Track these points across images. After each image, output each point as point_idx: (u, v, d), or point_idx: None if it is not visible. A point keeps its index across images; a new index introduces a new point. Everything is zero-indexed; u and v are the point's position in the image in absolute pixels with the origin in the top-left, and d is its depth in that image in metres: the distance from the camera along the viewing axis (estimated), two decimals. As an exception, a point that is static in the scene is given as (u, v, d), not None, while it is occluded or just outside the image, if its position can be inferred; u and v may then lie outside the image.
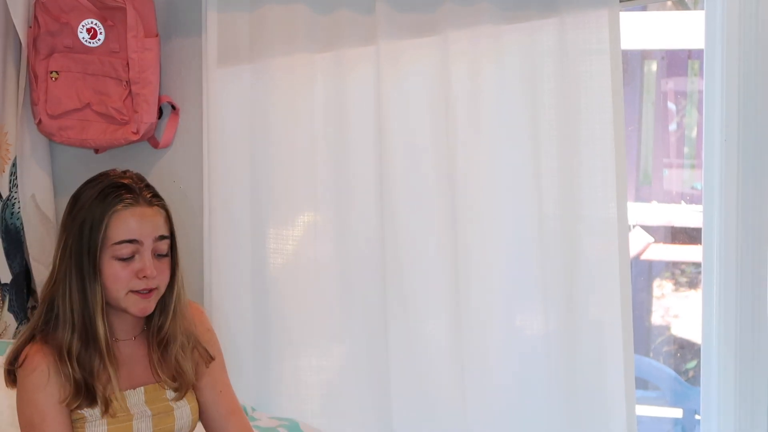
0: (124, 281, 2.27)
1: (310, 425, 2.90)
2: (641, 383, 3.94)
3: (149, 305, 2.29)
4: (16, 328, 3.05)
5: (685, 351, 4.10)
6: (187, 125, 3.06)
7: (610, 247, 2.84)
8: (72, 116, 2.97)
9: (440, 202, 2.90)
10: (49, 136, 3.01)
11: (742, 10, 2.84)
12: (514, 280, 2.91)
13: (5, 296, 3.02)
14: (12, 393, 2.62)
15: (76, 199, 2.32)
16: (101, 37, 2.93)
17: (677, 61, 4.12)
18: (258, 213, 2.99)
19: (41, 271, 3.07)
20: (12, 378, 2.33)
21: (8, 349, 2.36)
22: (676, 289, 4.20)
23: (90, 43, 2.94)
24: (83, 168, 3.12)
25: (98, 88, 2.95)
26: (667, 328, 4.16)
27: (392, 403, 2.95)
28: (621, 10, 2.80)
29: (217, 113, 2.98)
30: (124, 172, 2.34)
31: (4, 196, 3.04)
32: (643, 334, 4.09)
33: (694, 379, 3.97)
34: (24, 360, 2.28)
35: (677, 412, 3.98)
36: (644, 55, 4.12)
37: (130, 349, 2.36)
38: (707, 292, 2.98)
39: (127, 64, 2.92)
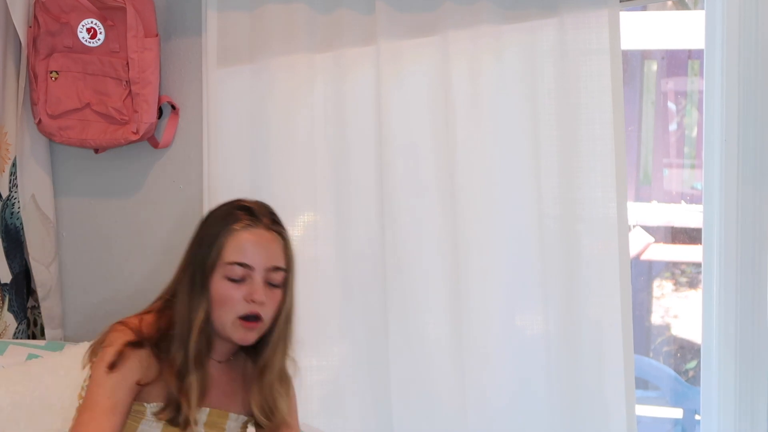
0: (233, 304, 2.26)
1: (310, 425, 2.90)
2: (641, 383, 3.94)
3: (251, 335, 2.29)
4: (16, 328, 3.05)
5: (685, 351, 4.09)
6: (187, 125, 3.06)
7: (610, 247, 2.84)
8: (72, 116, 2.97)
9: (440, 202, 2.90)
10: (49, 136, 3.01)
11: (742, 10, 2.84)
12: (514, 279, 2.90)
13: (5, 296, 3.02)
14: (10, 392, 2.63)
15: (204, 219, 2.35)
16: (101, 36, 2.93)
17: (677, 61, 4.11)
18: (258, 213, 2.98)
19: (41, 271, 3.07)
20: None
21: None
22: (676, 289, 4.20)
23: (90, 43, 2.94)
24: (83, 168, 3.12)
25: (98, 88, 2.95)
26: (667, 328, 4.15)
27: (392, 403, 2.95)
28: (621, 10, 2.80)
29: (217, 113, 2.98)
30: (254, 201, 2.36)
31: (4, 196, 3.04)
32: (643, 334, 4.09)
33: (694, 379, 3.96)
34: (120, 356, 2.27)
35: (677, 412, 3.97)
36: (644, 55, 4.12)
37: (214, 371, 2.35)
38: (707, 292, 2.98)
39: (127, 64, 2.91)
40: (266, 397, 2.35)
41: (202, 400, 2.29)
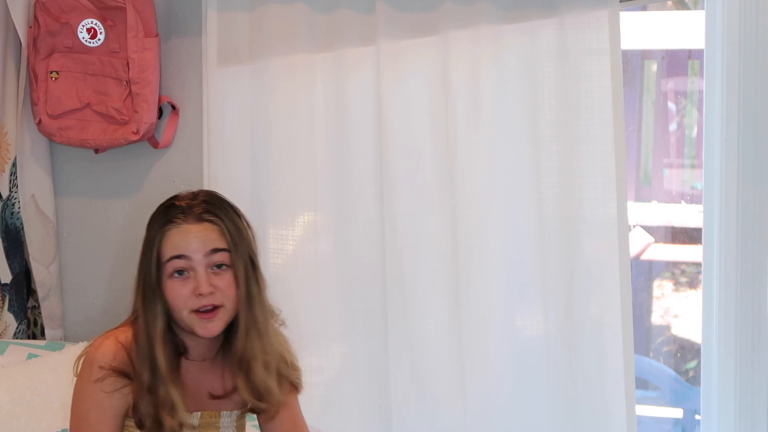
0: (183, 300, 2.23)
1: (310, 425, 2.90)
2: (641, 383, 3.94)
3: (212, 325, 2.24)
4: (16, 328, 3.05)
5: (685, 351, 4.09)
6: (187, 125, 3.06)
7: (610, 247, 2.84)
8: (72, 116, 2.97)
9: (440, 202, 2.90)
10: (49, 136, 3.01)
11: (742, 10, 2.84)
12: (514, 279, 2.91)
13: (5, 296, 3.02)
14: (11, 391, 2.63)
15: (147, 224, 2.32)
16: (101, 37, 2.93)
17: (677, 61, 4.11)
18: (258, 213, 2.98)
19: (41, 271, 3.07)
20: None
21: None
22: (676, 289, 4.20)
23: (90, 43, 2.94)
24: (83, 168, 3.12)
25: (98, 88, 2.95)
26: (667, 328, 4.15)
27: (392, 403, 2.95)
28: (621, 10, 2.80)
29: (217, 113, 2.98)
30: (193, 192, 2.32)
31: (4, 196, 3.04)
32: (643, 334, 4.09)
33: (694, 379, 3.96)
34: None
35: (677, 412, 3.97)
36: (644, 55, 4.12)
37: (197, 372, 2.32)
38: (707, 292, 2.98)
39: (127, 64, 2.92)
40: (257, 385, 2.30)
41: (187, 408, 2.26)
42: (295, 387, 2.39)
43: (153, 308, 2.25)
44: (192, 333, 2.26)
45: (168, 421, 2.23)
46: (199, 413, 2.31)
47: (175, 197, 2.32)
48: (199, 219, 2.26)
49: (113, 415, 2.24)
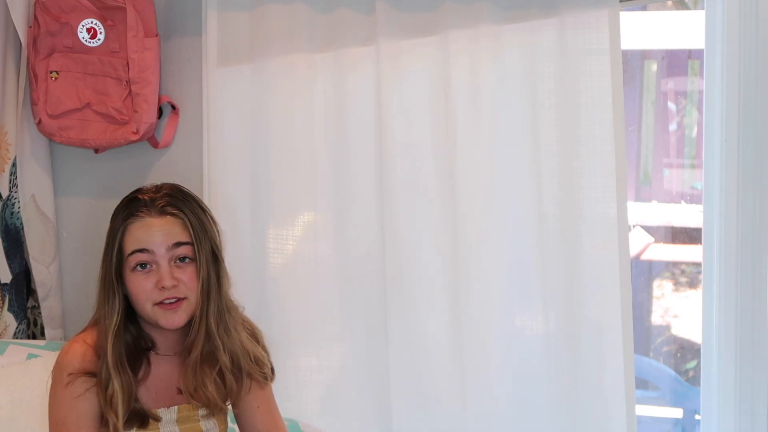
0: (146, 293, 2.24)
1: (310, 425, 2.90)
2: (641, 383, 3.94)
3: (176, 317, 2.26)
4: (16, 328, 3.05)
5: (685, 351, 4.09)
6: (187, 125, 3.06)
7: (610, 247, 2.83)
8: (72, 116, 2.97)
9: (440, 201, 2.90)
10: (49, 136, 3.01)
11: (742, 10, 2.84)
12: (514, 279, 2.90)
13: (5, 296, 3.02)
14: (10, 391, 2.63)
15: (111, 217, 2.32)
16: (101, 36, 2.93)
17: (677, 61, 4.11)
18: (258, 213, 2.99)
19: (41, 271, 3.07)
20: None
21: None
22: (676, 289, 4.20)
23: (90, 42, 2.94)
24: (83, 168, 3.12)
25: (98, 87, 2.95)
26: (667, 328, 4.16)
27: (392, 403, 2.95)
28: (621, 10, 2.80)
29: (217, 113, 2.98)
30: (156, 185, 2.33)
31: (4, 196, 3.04)
32: (643, 334, 4.09)
33: (694, 379, 3.97)
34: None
35: (677, 412, 3.97)
36: (644, 55, 4.12)
37: (169, 366, 2.33)
38: (707, 292, 2.98)
39: (127, 63, 2.91)
40: (190, 379, 2.30)
41: (129, 405, 2.25)
42: (258, 381, 2.38)
43: (111, 303, 2.26)
44: (157, 326, 2.27)
45: (111, 418, 2.23)
46: (175, 407, 2.31)
47: (138, 190, 2.33)
48: (162, 212, 2.27)
49: (90, 417, 2.25)
